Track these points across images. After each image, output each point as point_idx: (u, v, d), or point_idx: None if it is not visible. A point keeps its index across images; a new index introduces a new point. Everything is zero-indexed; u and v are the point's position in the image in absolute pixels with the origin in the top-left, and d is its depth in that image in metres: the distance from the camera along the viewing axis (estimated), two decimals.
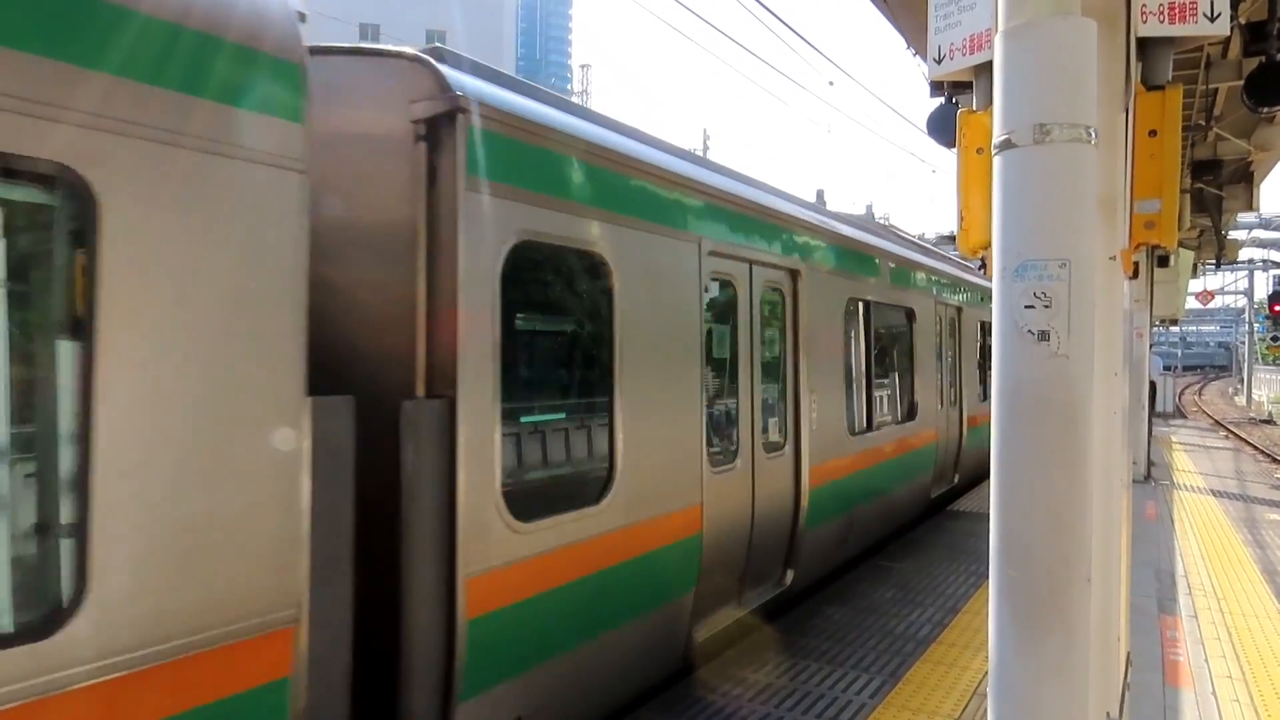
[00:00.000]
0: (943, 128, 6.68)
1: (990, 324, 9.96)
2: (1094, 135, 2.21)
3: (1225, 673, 5.56)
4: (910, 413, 9.09)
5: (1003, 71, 2.27)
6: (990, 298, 9.82)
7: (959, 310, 11.41)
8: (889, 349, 8.92)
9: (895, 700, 4.98)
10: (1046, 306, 2.17)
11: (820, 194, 15.61)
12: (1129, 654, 3.21)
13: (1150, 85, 2.80)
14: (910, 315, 9.31)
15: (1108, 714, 2.70)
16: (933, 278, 10.24)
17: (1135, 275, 3.06)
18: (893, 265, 8.84)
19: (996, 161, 2.28)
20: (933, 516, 10.29)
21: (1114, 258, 2.70)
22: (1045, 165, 2.19)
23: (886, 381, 8.72)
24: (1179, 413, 34.06)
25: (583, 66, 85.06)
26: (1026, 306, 2.19)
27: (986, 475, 9.88)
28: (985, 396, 12.66)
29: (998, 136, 2.26)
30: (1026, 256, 2.19)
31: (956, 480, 11.17)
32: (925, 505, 9.93)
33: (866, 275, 7.93)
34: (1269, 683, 5.41)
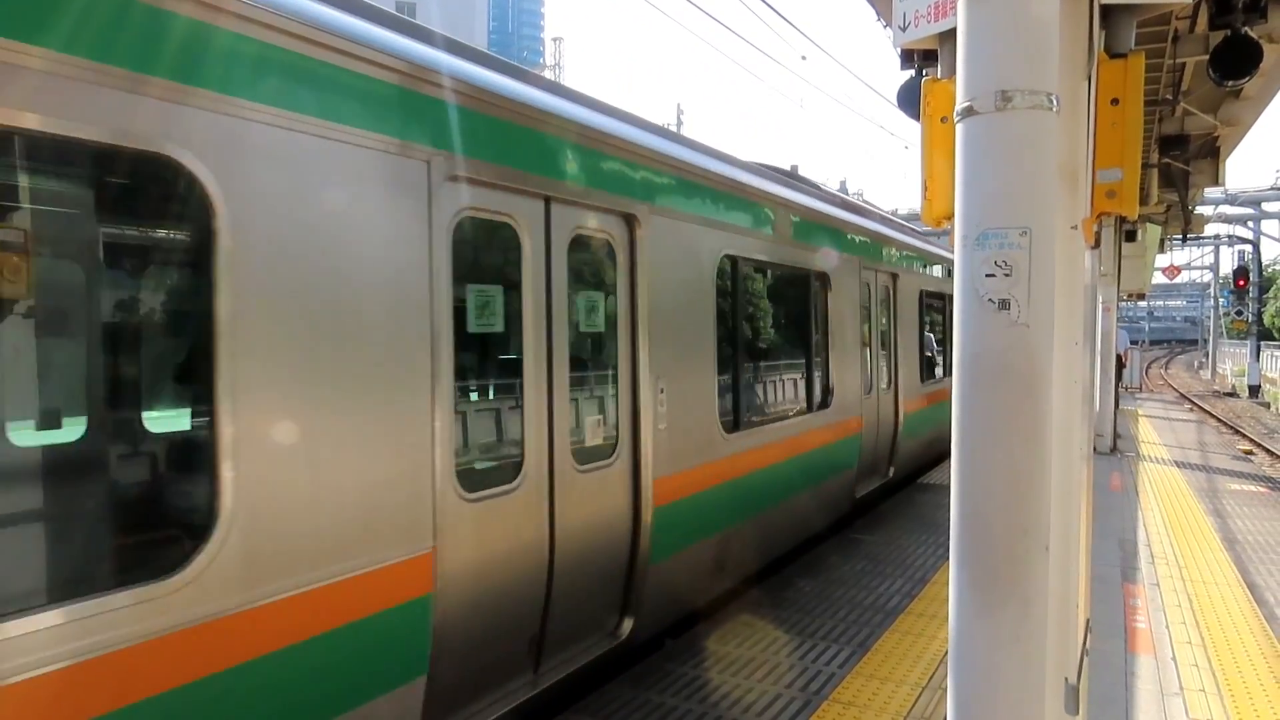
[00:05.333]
0: (913, 101, 6.66)
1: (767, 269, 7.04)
2: (1056, 103, 2.19)
3: (1185, 639, 5.68)
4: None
5: (965, 37, 2.24)
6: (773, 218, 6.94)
7: (588, 203, 4.89)
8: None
9: (864, 670, 5.03)
10: (1007, 275, 2.16)
11: (795, 169, 15.56)
12: (1089, 621, 3.26)
13: (1113, 53, 2.79)
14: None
15: (1066, 680, 2.73)
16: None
17: (1097, 245, 3.07)
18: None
19: (959, 129, 2.26)
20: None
21: (1075, 227, 2.70)
22: (1007, 132, 2.17)
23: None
24: (1144, 387, 34.66)
25: (555, 40, 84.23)
26: (987, 275, 2.18)
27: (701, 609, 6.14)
28: (752, 411, 6.72)
29: (960, 104, 2.24)
30: (987, 225, 2.17)
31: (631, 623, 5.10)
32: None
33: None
34: (1226, 648, 5.53)
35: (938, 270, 12.54)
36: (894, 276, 10.25)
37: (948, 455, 12.68)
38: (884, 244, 9.89)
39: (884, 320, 9.96)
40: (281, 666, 2.89)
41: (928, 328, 12.11)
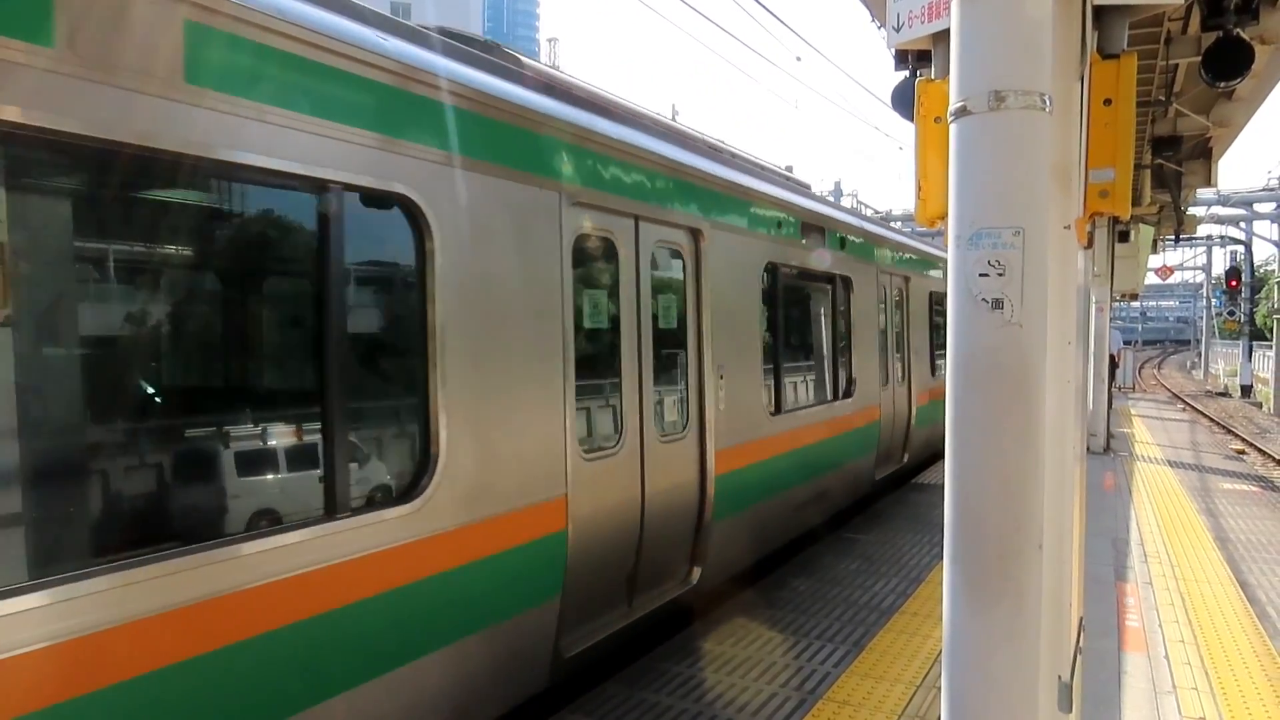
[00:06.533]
0: (907, 101, 6.64)
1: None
2: (1049, 103, 2.20)
3: (1178, 637, 5.71)
4: None
5: (959, 38, 2.25)
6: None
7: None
8: None
9: (859, 669, 5.05)
10: (1000, 274, 2.17)
11: (789, 169, 15.57)
12: (1082, 619, 3.27)
13: (1105, 54, 2.81)
14: None
15: (1059, 677, 2.75)
16: None
17: (1090, 245, 3.08)
18: None
19: (952, 129, 2.27)
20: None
21: (1069, 227, 2.72)
22: (1000, 132, 2.18)
23: None
24: (1137, 387, 34.81)
25: (550, 40, 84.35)
26: (980, 274, 2.19)
27: None
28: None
29: (953, 104, 2.25)
30: (981, 224, 2.18)
31: None
32: None
33: None
34: (1219, 646, 5.56)
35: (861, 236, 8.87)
36: (695, 234, 5.84)
37: (861, 509, 10.20)
38: (663, 173, 5.52)
39: (670, 313, 5.68)
40: None
41: (822, 324, 8.57)
